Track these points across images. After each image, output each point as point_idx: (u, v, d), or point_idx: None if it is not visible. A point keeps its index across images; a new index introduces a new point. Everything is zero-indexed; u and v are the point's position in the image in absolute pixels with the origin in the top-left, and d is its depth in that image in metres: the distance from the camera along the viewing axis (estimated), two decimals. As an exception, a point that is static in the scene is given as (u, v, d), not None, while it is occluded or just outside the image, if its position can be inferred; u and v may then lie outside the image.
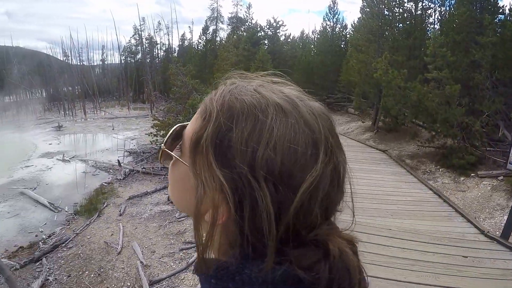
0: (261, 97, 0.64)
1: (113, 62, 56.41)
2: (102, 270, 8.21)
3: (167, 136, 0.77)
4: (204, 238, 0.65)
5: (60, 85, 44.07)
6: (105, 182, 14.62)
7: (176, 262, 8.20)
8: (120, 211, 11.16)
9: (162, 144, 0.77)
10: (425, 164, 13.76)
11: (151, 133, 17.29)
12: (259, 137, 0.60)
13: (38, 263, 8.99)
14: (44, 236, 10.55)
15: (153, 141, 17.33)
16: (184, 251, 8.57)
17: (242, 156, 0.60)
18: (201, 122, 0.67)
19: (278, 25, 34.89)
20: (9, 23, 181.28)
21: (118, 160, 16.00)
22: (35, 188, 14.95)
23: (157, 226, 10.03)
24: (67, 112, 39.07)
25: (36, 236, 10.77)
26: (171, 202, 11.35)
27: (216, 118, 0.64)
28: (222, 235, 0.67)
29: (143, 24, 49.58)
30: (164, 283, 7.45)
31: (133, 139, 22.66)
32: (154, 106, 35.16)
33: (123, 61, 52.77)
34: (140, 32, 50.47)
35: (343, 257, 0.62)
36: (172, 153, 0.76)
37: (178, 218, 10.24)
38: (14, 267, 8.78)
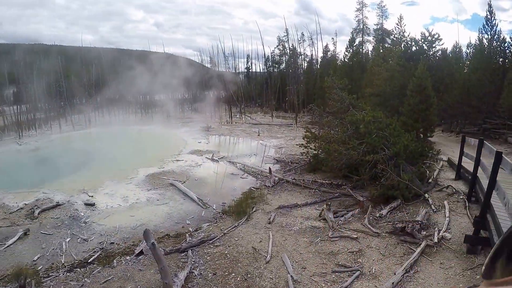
0: None
1: (257, 71, 59.97)
2: (249, 275, 8.11)
3: None
4: None
5: (206, 89, 48.29)
6: (254, 187, 14.96)
7: (328, 284, 7.67)
8: (269, 219, 11.13)
9: None
10: None
11: (301, 144, 17.48)
12: None
13: (183, 254, 9.44)
14: (191, 229, 11.14)
15: (303, 152, 17.47)
16: (337, 273, 7.98)
17: None
18: None
19: (433, 39, 32.18)
20: (159, 33, 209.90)
21: (270, 168, 16.28)
22: (184, 182, 16.10)
23: (307, 241, 9.65)
24: (212, 114, 42.30)
25: (183, 227, 11.48)
26: (324, 219, 11.01)
27: None
28: None
29: (285, 35, 50.98)
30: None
31: (280, 147, 23.09)
32: (298, 116, 35.62)
33: (266, 70, 55.68)
34: (283, 43, 52.88)
35: None
36: None
37: (331, 237, 9.68)
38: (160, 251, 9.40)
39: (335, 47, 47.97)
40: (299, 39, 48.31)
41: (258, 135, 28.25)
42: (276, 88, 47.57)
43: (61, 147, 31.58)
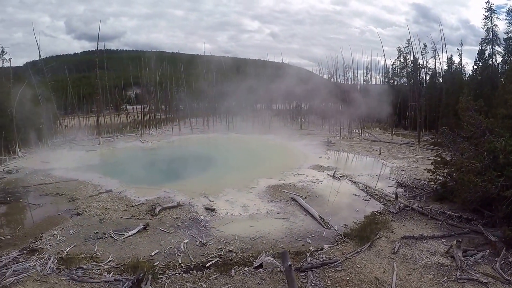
0: None
1: (375, 83, 57.93)
2: (370, 307, 8.44)
3: None
4: None
5: (322, 101, 48.67)
6: (377, 211, 15.14)
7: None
8: (394, 249, 11.35)
9: None
10: None
11: (429, 169, 17.01)
12: None
13: (303, 274, 10.07)
14: (311, 248, 11.74)
15: (431, 178, 16.84)
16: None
17: None
18: None
19: None
20: (274, 43, 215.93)
21: (396, 193, 16.34)
22: (305, 198, 16.80)
23: (433, 279, 9.69)
24: (330, 127, 42.66)
25: (303, 245, 12.11)
26: (451, 256, 10.86)
27: None
28: None
29: (407, 46, 48.49)
30: None
31: (403, 170, 22.62)
32: (421, 136, 34.36)
33: (386, 83, 53.76)
34: (405, 55, 50.40)
35: None
36: None
37: (459, 279, 9.59)
38: (278, 268, 10.18)
39: (461, 59, 44.27)
40: (422, 50, 45.80)
41: (379, 154, 28.02)
42: (396, 103, 46.27)
43: (180, 148, 34.51)
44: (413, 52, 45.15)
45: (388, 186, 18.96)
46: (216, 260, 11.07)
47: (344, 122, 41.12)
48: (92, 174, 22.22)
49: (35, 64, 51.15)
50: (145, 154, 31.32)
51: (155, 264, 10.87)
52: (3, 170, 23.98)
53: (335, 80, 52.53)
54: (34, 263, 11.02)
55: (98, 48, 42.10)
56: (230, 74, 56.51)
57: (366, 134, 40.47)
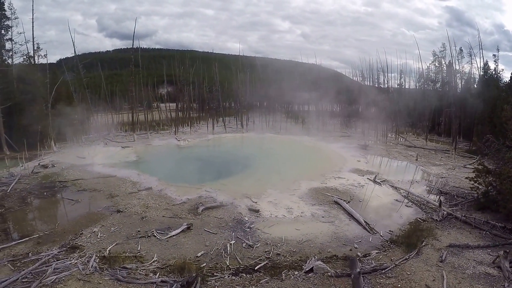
0: None
1: (409, 87, 56.71)
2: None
3: None
4: None
5: (357, 104, 48.68)
6: (420, 218, 15.28)
7: None
8: (441, 257, 11.51)
9: None
10: None
11: (471, 178, 16.93)
12: None
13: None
14: (359, 254, 11.93)
15: (473, 187, 16.92)
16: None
17: None
18: None
19: None
20: (305, 43, 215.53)
21: (440, 201, 16.48)
22: (348, 202, 17.01)
23: (482, 289, 9.81)
24: (365, 131, 42.50)
25: (351, 250, 12.31)
26: (498, 267, 10.97)
27: None
28: None
29: (443, 50, 47.62)
30: None
31: (442, 177, 22.47)
32: (457, 143, 34.14)
33: (420, 88, 53.18)
34: (440, 59, 49.76)
35: None
36: None
37: (506, 292, 9.77)
38: (329, 273, 10.43)
39: (497, 65, 42.90)
40: (458, 54, 44.85)
41: (416, 159, 27.98)
42: (430, 108, 45.80)
43: (217, 147, 35.19)
44: (451, 56, 44.21)
45: (429, 193, 19.01)
46: (264, 263, 11.22)
47: (378, 126, 41.10)
48: (130, 171, 22.78)
49: (68, 61, 52.82)
50: (182, 152, 31.94)
51: (202, 266, 10.94)
52: (39, 164, 24.48)
53: (369, 83, 52.39)
54: (75, 261, 11.14)
55: (136, 47, 43.18)
56: (264, 74, 57.07)
57: (401, 139, 40.32)
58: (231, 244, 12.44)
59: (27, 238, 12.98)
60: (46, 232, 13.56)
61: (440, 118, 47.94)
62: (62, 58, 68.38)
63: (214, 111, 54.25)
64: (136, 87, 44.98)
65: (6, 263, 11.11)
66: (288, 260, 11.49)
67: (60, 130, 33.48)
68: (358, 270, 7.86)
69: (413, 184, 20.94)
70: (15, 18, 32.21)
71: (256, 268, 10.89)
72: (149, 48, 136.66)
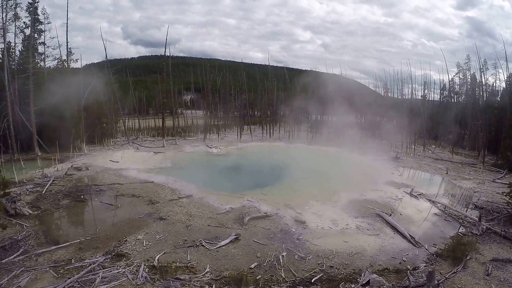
0: None
1: (432, 99, 57.33)
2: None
3: None
4: None
5: (381, 115, 48.82)
6: (460, 232, 15.81)
7: None
8: (487, 271, 12.03)
9: None
10: None
11: (507, 193, 17.38)
12: None
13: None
14: (409, 267, 12.31)
15: (510, 202, 17.37)
16: None
17: None
18: None
19: None
20: (325, 53, 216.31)
21: (480, 215, 17.03)
22: (390, 215, 17.48)
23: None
24: (393, 143, 42.92)
25: (400, 263, 12.70)
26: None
27: None
28: None
29: (467, 61, 47.82)
30: None
31: (475, 191, 22.82)
32: (484, 157, 34.67)
33: (443, 100, 53.68)
34: (464, 71, 50.08)
35: None
36: None
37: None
38: (385, 286, 10.84)
39: None
40: (482, 66, 44.79)
41: (447, 173, 28.32)
42: (456, 121, 46.05)
43: (250, 156, 35.47)
44: (479, 68, 43.68)
45: (465, 207, 19.45)
46: (320, 275, 11.36)
47: (404, 138, 41.51)
48: (167, 177, 23.19)
49: (95, 66, 54.41)
50: (215, 160, 32.46)
51: (257, 278, 10.97)
52: (71, 166, 25.01)
53: (392, 95, 52.64)
54: (123, 270, 11.04)
55: (160, 54, 44.48)
56: (288, 84, 58.01)
57: (428, 151, 40.57)
58: (283, 256, 12.56)
59: (67, 243, 13.07)
60: (87, 238, 13.69)
61: (465, 131, 47.93)
62: (87, 63, 70.41)
63: (241, 119, 55.20)
64: (163, 93, 46.12)
65: (48, 269, 11.10)
66: (343, 272, 11.71)
67: (90, 133, 34.61)
68: (436, 282, 8.43)
69: (448, 197, 21.40)
70: (48, 23, 33.67)
71: (312, 280, 11.04)
72: (173, 56, 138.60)
